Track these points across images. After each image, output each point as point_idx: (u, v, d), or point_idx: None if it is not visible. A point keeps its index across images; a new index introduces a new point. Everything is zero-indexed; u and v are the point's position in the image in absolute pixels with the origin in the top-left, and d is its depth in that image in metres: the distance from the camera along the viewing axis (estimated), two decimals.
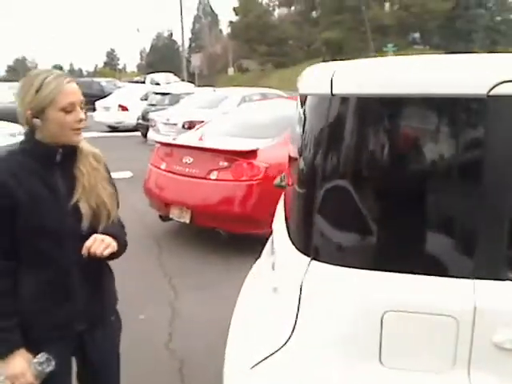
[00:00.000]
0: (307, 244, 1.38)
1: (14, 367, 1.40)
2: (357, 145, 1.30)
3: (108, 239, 1.45)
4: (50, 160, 1.46)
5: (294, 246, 1.45)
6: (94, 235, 1.45)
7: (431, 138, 1.25)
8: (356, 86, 1.28)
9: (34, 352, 1.44)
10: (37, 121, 1.41)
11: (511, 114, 1.18)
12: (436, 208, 1.26)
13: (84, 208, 1.47)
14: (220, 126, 5.34)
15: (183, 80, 24.73)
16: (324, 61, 37.43)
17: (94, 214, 1.49)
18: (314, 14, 40.83)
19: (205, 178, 4.32)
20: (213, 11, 63.70)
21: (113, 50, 77.08)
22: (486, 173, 1.18)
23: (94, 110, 13.84)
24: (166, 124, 8.49)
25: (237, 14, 43.50)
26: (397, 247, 1.29)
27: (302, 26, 39.82)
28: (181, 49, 31.43)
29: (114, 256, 1.50)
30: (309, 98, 1.53)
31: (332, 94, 1.30)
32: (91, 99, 13.00)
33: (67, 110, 1.41)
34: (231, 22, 45.01)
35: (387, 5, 37.33)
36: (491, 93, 1.16)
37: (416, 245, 1.27)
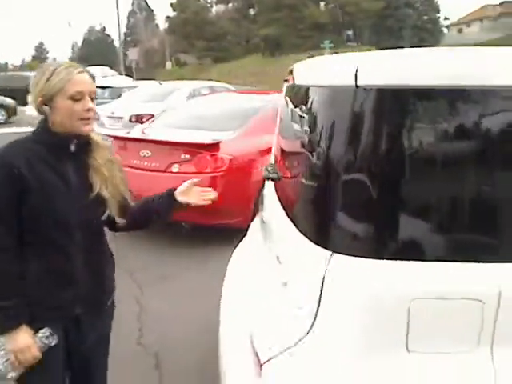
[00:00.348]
0: (326, 237, 1.31)
1: (19, 341, 1.43)
2: (383, 137, 1.24)
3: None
4: (64, 150, 1.49)
5: (307, 239, 1.38)
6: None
7: (465, 131, 1.23)
8: (384, 77, 1.22)
9: (34, 328, 1.47)
10: (46, 108, 1.44)
11: None
12: (462, 196, 1.24)
13: (107, 195, 1.52)
14: (175, 119, 5.17)
15: (120, 74, 23.97)
16: (263, 56, 37.87)
17: (112, 201, 1.55)
18: (251, 11, 41.00)
19: (165, 172, 4.16)
20: (148, 6, 62.46)
21: (42, 44, 73.18)
22: None
23: (26, 104, 13.07)
24: (110, 118, 8.14)
25: (174, 10, 42.79)
26: (422, 236, 1.26)
27: (240, 22, 39.87)
28: (116, 42, 30.44)
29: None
30: (318, 90, 1.48)
31: (356, 86, 1.24)
32: (24, 93, 12.24)
33: (75, 98, 1.43)
34: (168, 18, 44.25)
35: (322, 4, 38.28)
36: None
37: (442, 232, 1.25)
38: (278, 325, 1.47)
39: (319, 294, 1.29)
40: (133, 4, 59.45)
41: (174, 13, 43.15)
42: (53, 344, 1.49)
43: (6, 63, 62.47)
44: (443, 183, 1.23)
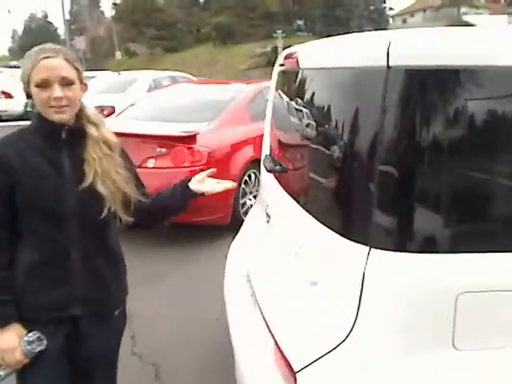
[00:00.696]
0: (364, 232, 1.26)
1: (3, 342, 1.39)
2: (422, 124, 1.20)
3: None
4: (56, 137, 1.44)
5: (339, 236, 1.33)
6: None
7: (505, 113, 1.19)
8: (419, 56, 1.17)
9: (27, 329, 1.42)
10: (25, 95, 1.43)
11: None
12: (509, 186, 1.23)
13: (103, 191, 1.45)
14: (144, 111, 4.98)
15: None
16: (215, 45, 37.35)
17: (110, 197, 1.47)
18: None
19: (141, 167, 3.97)
20: None
21: None
22: None
23: None
24: None
25: None
26: (470, 227, 1.24)
27: (190, 9, 39.07)
28: (59, 31, 28.96)
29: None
30: (335, 72, 1.42)
31: (388, 67, 1.19)
32: None
33: (41, 85, 1.37)
34: (115, 4, 42.70)
35: None
36: None
37: (491, 223, 1.24)
38: (310, 329, 1.42)
39: (359, 292, 1.25)
40: None
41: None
42: (37, 350, 1.41)
43: None
44: (489, 171, 1.20)
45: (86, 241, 1.46)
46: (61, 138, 1.44)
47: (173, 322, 2.92)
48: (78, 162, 1.46)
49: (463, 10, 49.29)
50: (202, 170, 4.07)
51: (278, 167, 1.94)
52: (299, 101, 1.73)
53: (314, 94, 1.60)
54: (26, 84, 1.39)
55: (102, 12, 57.01)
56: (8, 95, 11.85)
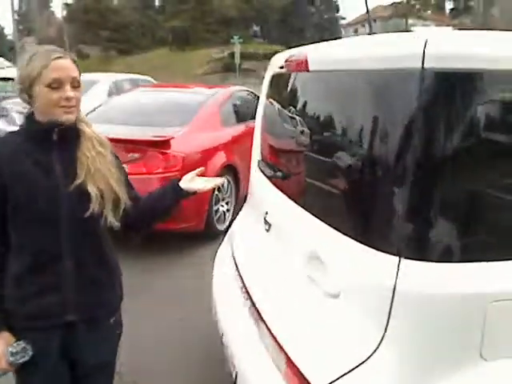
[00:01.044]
0: (394, 243, 1.22)
1: None
2: (458, 126, 1.17)
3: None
4: (47, 139, 1.41)
5: (364, 246, 1.28)
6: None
7: None
8: (458, 58, 1.15)
9: (16, 336, 1.40)
10: (25, 96, 1.38)
11: None
12: None
13: (92, 191, 1.41)
14: (111, 115, 4.77)
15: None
16: (171, 49, 36.86)
17: (101, 197, 1.43)
18: (156, 1, 39.69)
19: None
20: None
21: None
22: None
23: None
24: (22, 114, 7.33)
25: None
26: (499, 236, 1.22)
27: (146, 12, 38.43)
28: (6, 31, 27.71)
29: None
30: (359, 74, 1.37)
31: (423, 68, 1.15)
32: None
33: (53, 86, 1.35)
34: (66, 5, 41.30)
35: None
36: None
37: None
38: (331, 343, 1.35)
39: (389, 304, 1.20)
40: None
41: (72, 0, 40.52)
42: (20, 361, 1.38)
43: None
44: None
45: (78, 245, 1.42)
46: (52, 140, 1.41)
47: (153, 337, 2.78)
48: (69, 162, 1.42)
49: (411, 21, 51.33)
50: (176, 177, 3.99)
51: (279, 173, 1.87)
52: (309, 105, 1.67)
53: (329, 97, 1.54)
54: (30, 84, 1.35)
55: (53, 12, 55.21)
56: None
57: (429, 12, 60.92)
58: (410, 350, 1.21)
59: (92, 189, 1.40)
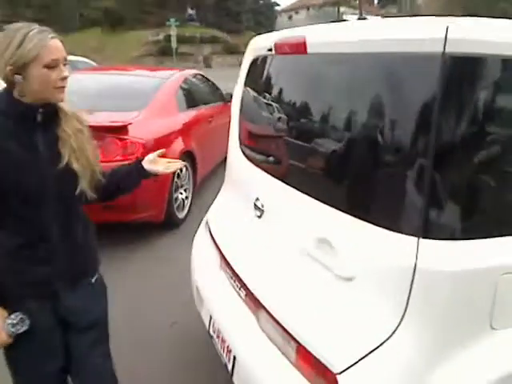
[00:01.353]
0: (413, 224, 1.24)
1: None
2: (477, 110, 1.20)
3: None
4: (30, 120, 1.41)
5: (379, 228, 1.29)
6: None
7: None
8: (480, 44, 1.16)
9: (10, 310, 1.44)
10: (18, 77, 1.34)
11: None
12: None
13: (78, 169, 1.45)
14: None
15: None
16: (103, 31, 35.16)
17: (84, 174, 1.48)
18: None
19: None
20: None
21: None
22: None
23: None
24: None
25: None
26: (508, 214, 1.27)
27: None
28: None
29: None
30: (370, 57, 1.36)
31: (444, 53, 1.16)
32: None
33: (51, 66, 1.34)
34: None
35: None
36: None
37: None
38: (347, 327, 1.36)
39: (410, 283, 1.22)
40: None
41: None
42: (20, 331, 1.45)
43: None
44: None
45: (64, 219, 1.48)
46: (35, 121, 1.41)
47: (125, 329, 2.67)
48: (52, 142, 1.44)
49: (342, 9, 52.59)
50: None
51: (272, 159, 1.84)
52: (308, 88, 1.64)
53: (333, 79, 1.52)
54: (23, 64, 1.31)
55: None
56: None
57: (357, 1, 62.79)
58: (429, 326, 1.24)
59: (77, 166, 1.45)
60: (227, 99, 6.14)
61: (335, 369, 1.31)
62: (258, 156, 1.98)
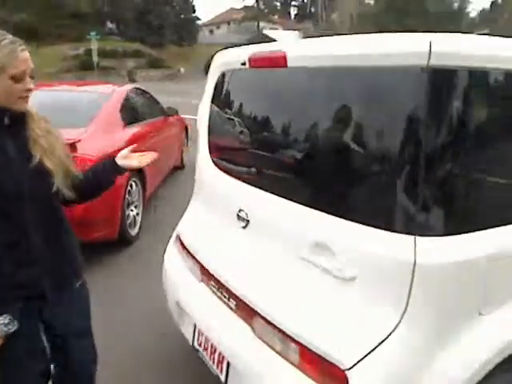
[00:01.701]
0: (408, 223, 1.36)
1: None
2: (458, 119, 1.34)
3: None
4: None
5: (378, 229, 1.40)
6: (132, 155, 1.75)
7: None
8: (460, 58, 1.31)
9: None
10: None
11: None
12: None
13: (51, 167, 1.50)
14: None
15: None
16: None
17: (57, 172, 1.52)
18: None
19: None
20: None
21: None
22: None
23: None
24: None
25: None
26: (492, 208, 1.43)
27: None
28: None
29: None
30: (353, 70, 1.47)
31: (428, 66, 1.29)
32: None
33: (17, 78, 1.38)
34: None
35: None
36: None
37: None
38: (351, 325, 1.44)
39: (411, 277, 1.33)
40: None
41: None
42: (11, 331, 1.48)
43: None
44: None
45: (42, 220, 1.51)
46: (3, 124, 1.44)
47: None
48: (21, 143, 1.48)
49: (262, 24, 54.03)
50: None
51: (254, 171, 1.89)
52: (289, 100, 1.73)
53: (316, 91, 1.61)
54: None
55: None
56: None
57: (276, 16, 64.78)
58: (428, 316, 1.36)
59: (50, 165, 1.50)
60: (168, 113, 6.12)
61: (344, 365, 1.37)
62: (238, 169, 2.03)
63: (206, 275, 2.07)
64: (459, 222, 1.39)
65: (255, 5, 55.95)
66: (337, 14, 40.27)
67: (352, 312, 1.45)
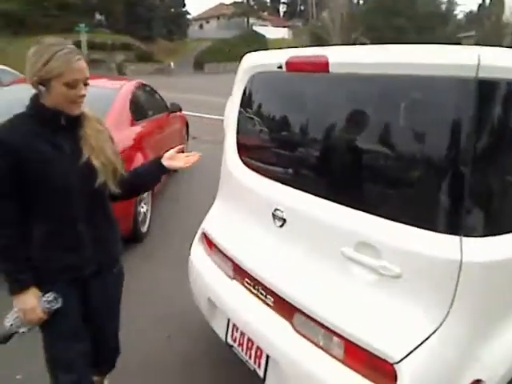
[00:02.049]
0: (455, 224, 1.44)
1: (26, 303, 1.62)
2: (504, 126, 1.43)
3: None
4: (55, 123, 1.60)
5: (425, 230, 1.48)
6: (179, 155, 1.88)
7: None
8: (506, 70, 1.39)
9: (45, 291, 1.64)
10: (42, 88, 1.54)
11: None
12: None
13: (97, 165, 1.64)
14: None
15: None
16: (2, 35, 32.67)
17: (104, 169, 1.67)
18: None
19: None
20: None
21: None
22: None
23: None
24: None
25: None
26: None
27: None
28: None
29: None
30: (401, 79, 1.55)
31: (475, 78, 1.37)
32: None
33: (71, 85, 1.52)
34: None
35: None
36: None
37: None
38: (396, 321, 1.51)
39: (457, 275, 1.41)
40: None
41: None
42: (55, 308, 1.63)
43: None
44: None
45: (88, 211, 1.67)
46: (60, 124, 1.60)
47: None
48: (74, 141, 1.64)
49: (251, 20, 53.99)
50: None
51: (290, 170, 1.96)
52: (328, 104, 1.80)
53: (358, 99, 1.68)
54: (48, 78, 1.50)
55: None
56: None
57: (265, 13, 64.74)
58: (473, 311, 1.45)
59: (97, 163, 1.64)
60: (171, 110, 6.14)
61: (393, 359, 1.45)
62: (274, 169, 2.09)
63: (239, 273, 2.14)
64: (501, 223, 1.48)
65: (245, 1, 55.94)
66: (327, 12, 40.39)
67: (398, 307, 1.52)
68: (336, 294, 1.70)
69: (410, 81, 1.53)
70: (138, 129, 4.58)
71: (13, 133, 1.56)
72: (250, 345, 2.00)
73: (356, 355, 1.57)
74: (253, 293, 2.04)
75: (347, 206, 1.70)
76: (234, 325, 2.11)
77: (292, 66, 1.97)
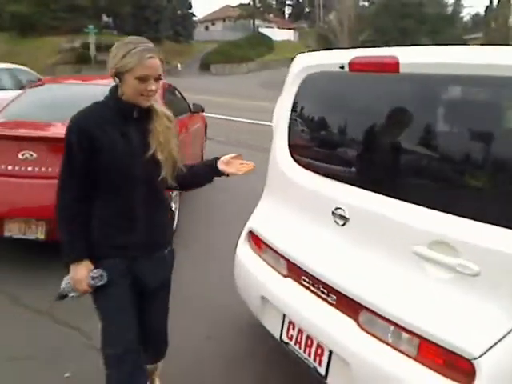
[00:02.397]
0: None
1: (76, 273, 1.75)
2: None
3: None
4: (128, 115, 1.73)
5: (501, 228, 1.48)
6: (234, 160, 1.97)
7: None
8: None
9: (95, 266, 1.76)
10: (117, 79, 1.69)
11: None
12: None
13: (162, 159, 1.76)
14: (34, 110, 4.25)
15: None
16: (11, 36, 32.87)
17: (166, 163, 1.78)
18: None
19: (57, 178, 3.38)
20: None
21: None
22: None
23: None
24: None
25: None
26: None
27: None
28: None
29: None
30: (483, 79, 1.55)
31: None
32: None
33: (141, 79, 1.65)
34: None
35: None
36: None
37: None
38: (476, 318, 1.51)
39: None
40: None
41: None
42: (98, 284, 1.74)
43: None
44: None
45: (148, 199, 1.80)
46: (132, 116, 1.73)
47: None
48: (143, 134, 1.75)
49: (257, 22, 54.08)
50: None
51: (354, 169, 1.97)
52: (396, 104, 1.82)
53: (431, 99, 1.69)
54: (122, 72, 1.64)
55: None
56: None
57: (271, 15, 64.83)
58: None
59: (161, 157, 1.75)
60: (194, 110, 6.16)
61: (472, 356, 1.46)
62: (333, 168, 2.10)
63: (295, 271, 2.14)
64: None
65: (251, 2, 56.02)
66: (334, 14, 40.37)
67: (475, 305, 1.53)
68: (407, 291, 1.70)
69: (489, 81, 1.54)
70: None
71: (87, 118, 1.69)
72: (309, 342, 2.01)
73: (431, 352, 1.58)
74: (311, 291, 2.05)
75: (420, 205, 1.71)
76: (290, 322, 2.12)
77: (356, 66, 1.97)
